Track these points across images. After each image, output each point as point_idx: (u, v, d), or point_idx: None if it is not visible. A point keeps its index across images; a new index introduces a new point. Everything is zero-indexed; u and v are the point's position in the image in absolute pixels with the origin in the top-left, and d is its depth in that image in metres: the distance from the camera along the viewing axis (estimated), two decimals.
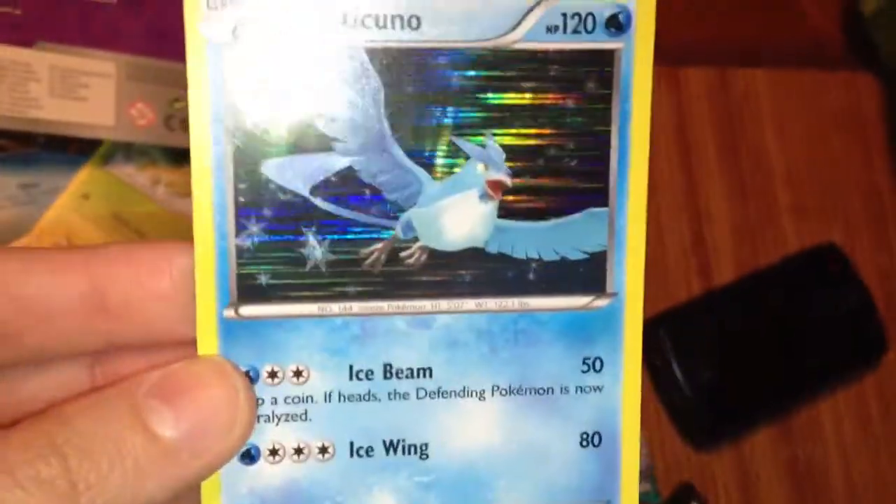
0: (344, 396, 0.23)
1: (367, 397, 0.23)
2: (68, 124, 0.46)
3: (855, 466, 0.52)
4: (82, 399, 0.20)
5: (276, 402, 0.22)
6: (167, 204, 0.48)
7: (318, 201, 0.22)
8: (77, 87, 0.47)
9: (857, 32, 0.57)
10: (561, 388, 0.23)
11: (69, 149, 0.47)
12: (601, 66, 0.22)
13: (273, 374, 0.22)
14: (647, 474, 0.46)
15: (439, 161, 0.22)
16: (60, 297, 0.22)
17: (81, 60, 0.47)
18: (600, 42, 0.22)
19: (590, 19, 0.22)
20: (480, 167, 0.22)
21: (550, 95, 0.22)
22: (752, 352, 0.50)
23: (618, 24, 0.22)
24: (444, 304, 0.23)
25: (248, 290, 0.22)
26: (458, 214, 0.22)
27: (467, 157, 0.22)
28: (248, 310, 0.22)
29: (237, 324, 0.22)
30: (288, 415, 0.22)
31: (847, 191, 0.56)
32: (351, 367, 0.23)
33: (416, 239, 0.22)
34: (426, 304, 0.23)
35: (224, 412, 0.21)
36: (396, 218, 0.22)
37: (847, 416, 0.52)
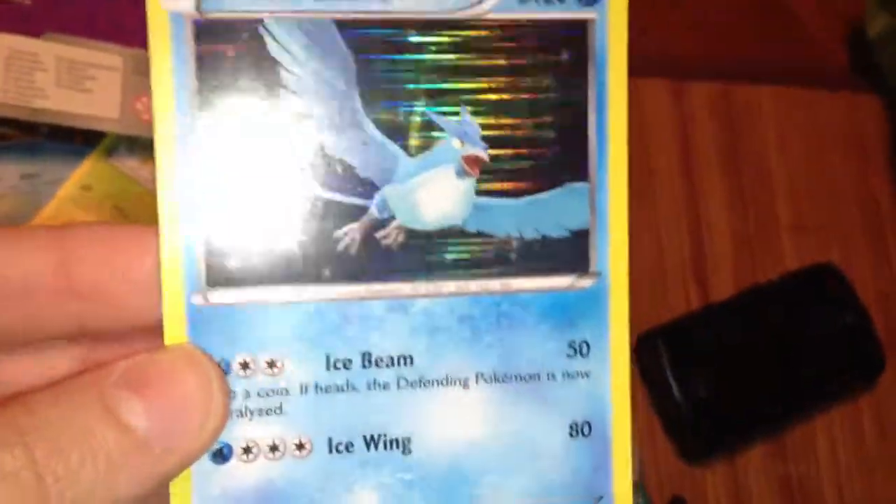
0: (321, 388, 0.21)
1: (345, 388, 0.22)
2: (73, 115, 0.46)
3: (848, 486, 0.51)
4: (49, 388, 0.19)
5: (248, 396, 0.21)
6: None
7: (290, 178, 0.21)
8: (83, 79, 0.46)
9: (861, 53, 0.58)
10: (547, 375, 0.22)
11: (72, 140, 0.46)
12: (575, 37, 0.22)
13: (245, 366, 0.21)
14: (636, 487, 0.45)
15: (413, 136, 0.21)
16: (28, 274, 0.21)
17: (88, 52, 0.46)
18: (573, 12, 0.22)
19: None
20: (456, 142, 0.22)
21: (525, 67, 0.22)
22: (748, 367, 0.50)
23: None
24: (423, 287, 0.22)
25: (218, 276, 0.21)
26: (435, 191, 0.22)
27: (442, 132, 0.22)
28: (218, 296, 0.21)
29: (207, 311, 0.21)
30: (262, 409, 0.21)
31: (847, 209, 0.56)
32: (328, 357, 0.21)
33: (392, 218, 0.22)
34: (405, 288, 0.22)
35: (197, 402, 0.20)
36: (371, 196, 0.21)
37: (842, 435, 0.52)
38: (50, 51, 0.46)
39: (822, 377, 0.51)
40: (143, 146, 0.49)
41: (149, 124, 0.45)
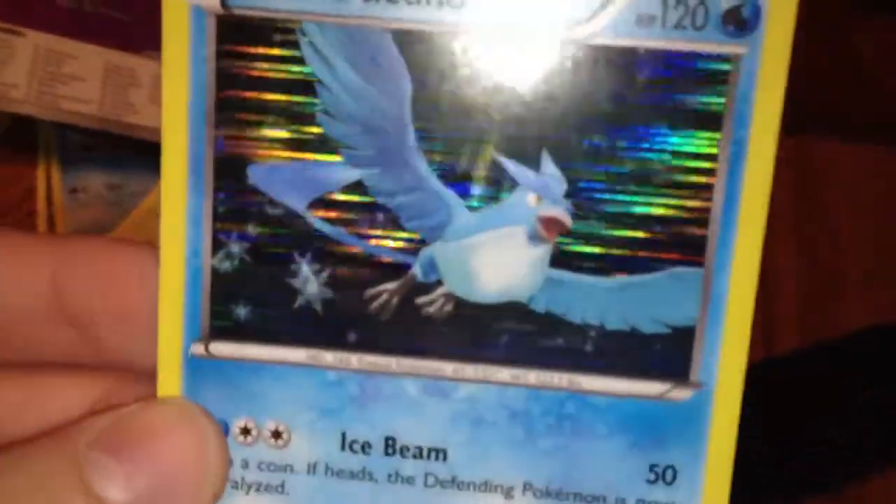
0: (332, 471, 0.18)
1: (361, 476, 0.18)
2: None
3: None
4: (14, 448, 0.17)
5: (247, 466, 0.18)
6: None
7: (317, 222, 0.17)
8: None
9: None
10: (616, 499, 0.18)
11: (158, 154, 0.46)
12: (711, 76, 0.16)
13: (246, 431, 0.18)
14: None
15: (477, 184, 0.17)
16: (18, 293, 0.19)
17: None
18: (713, 43, 0.16)
19: (700, 11, 0.16)
20: (532, 198, 0.17)
21: (636, 110, 0.16)
22: (805, 423, 0.49)
23: (740, 19, 0.16)
24: (469, 369, 0.18)
25: (223, 325, 0.18)
26: (498, 257, 0.17)
27: (515, 183, 0.17)
28: (221, 348, 0.18)
29: (206, 363, 0.18)
30: (261, 484, 0.18)
31: None
32: (343, 435, 0.18)
33: (439, 283, 0.17)
34: (447, 368, 0.18)
35: (190, 470, 0.17)
36: (416, 253, 0.17)
37: None
38: (147, 68, 0.46)
39: (881, 440, 0.49)
40: None
41: None
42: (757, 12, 0.16)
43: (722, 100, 0.16)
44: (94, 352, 0.19)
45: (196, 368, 0.18)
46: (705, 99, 0.16)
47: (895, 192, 0.55)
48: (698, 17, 0.16)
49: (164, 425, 0.17)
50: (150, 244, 0.19)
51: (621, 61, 0.16)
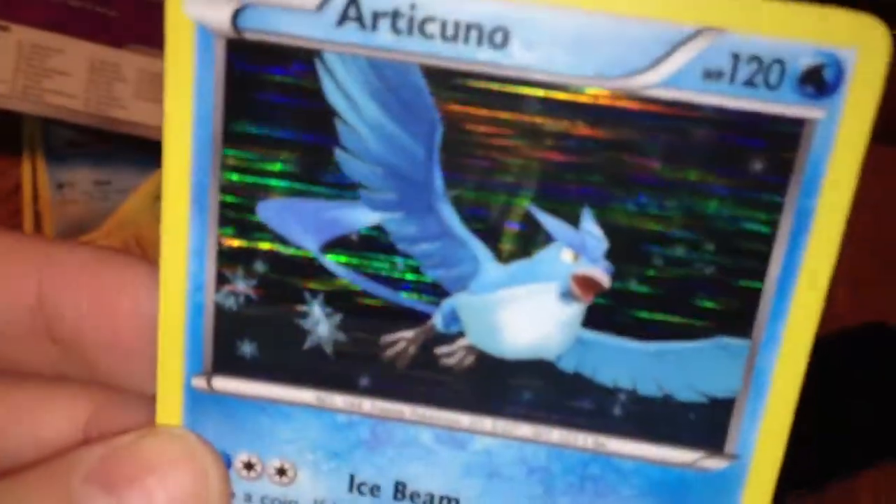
0: None
1: None
2: (148, 127, 0.46)
3: None
4: (4, 480, 0.16)
5: (250, 501, 0.17)
6: None
7: (331, 264, 0.16)
8: (162, 92, 0.43)
9: None
10: None
11: (144, 150, 0.47)
12: (780, 141, 0.14)
13: (249, 466, 0.17)
14: None
15: (508, 237, 0.15)
16: (5, 306, 0.18)
17: None
18: (788, 105, 0.14)
19: (776, 69, 0.14)
20: (567, 254, 0.15)
21: (691, 170, 0.15)
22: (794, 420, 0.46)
23: (820, 80, 0.14)
24: (488, 423, 0.17)
25: (227, 359, 0.16)
26: (527, 313, 0.16)
27: (549, 238, 0.15)
28: (225, 384, 0.17)
29: (208, 398, 0.17)
30: None
31: None
32: (352, 477, 0.17)
33: (460, 334, 0.16)
34: (463, 419, 0.17)
35: None
36: (437, 303, 0.16)
37: (885, 493, 0.47)
38: (132, 62, 0.45)
39: (871, 437, 0.47)
40: None
41: None
42: (840, 74, 0.14)
43: (789, 167, 0.14)
44: (81, 370, 0.18)
45: (197, 400, 0.17)
46: (770, 165, 0.15)
47: (888, 191, 0.53)
48: (772, 76, 0.14)
49: (162, 459, 0.16)
50: (146, 258, 0.18)
51: (680, 117, 0.14)
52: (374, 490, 0.17)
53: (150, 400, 0.17)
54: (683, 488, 0.17)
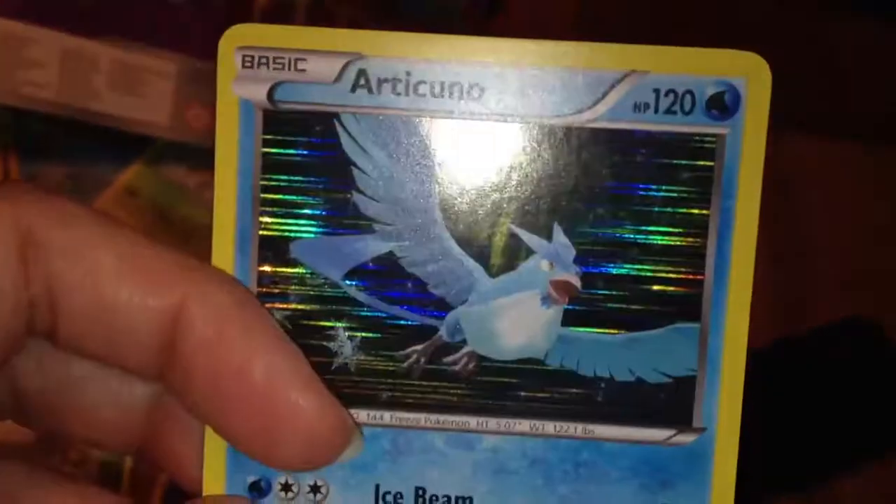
0: None
1: None
2: (123, 119, 0.47)
3: None
4: None
5: None
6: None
7: (353, 291, 0.20)
8: (137, 84, 0.47)
9: None
10: None
11: (119, 143, 0.48)
12: (699, 154, 0.19)
13: (287, 488, 0.20)
14: None
15: (496, 253, 0.20)
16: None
17: (144, 57, 0.48)
18: (699, 125, 0.19)
19: (688, 98, 0.19)
20: (545, 264, 0.19)
21: (633, 185, 0.19)
22: (777, 421, 0.48)
23: (722, 105, 0.19)
24: (492, 422, 0.20)
25: None
26: (516, 318, 0.20)
27: (530, 252, 0.19)
28: None
29: None
30: None
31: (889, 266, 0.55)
32: (377, 488, 0.20)
33: (463, 343, 0.20)
34: (471, 422, 0.20)
35: None
36: (442, 317, 0.20)
37: (870, 496, 0.49)
38: (107, 53, 0.46)
39: (855, 436, 0.49)
40: (192, 154, 0.49)
41: (198, 132, 0.48)
42: (737, 98, 0.19)
43: (709, 175, 0.19)
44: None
45: None
46: (695, 174, 0.19)
47: (871, 191, 0.57)
48: (686, 104, 0.19)
49: None
50: None
51: (620, 142, 0.19)
52: (398, 497, 0.20)
53: None
54: (662, 464, 0.20)
